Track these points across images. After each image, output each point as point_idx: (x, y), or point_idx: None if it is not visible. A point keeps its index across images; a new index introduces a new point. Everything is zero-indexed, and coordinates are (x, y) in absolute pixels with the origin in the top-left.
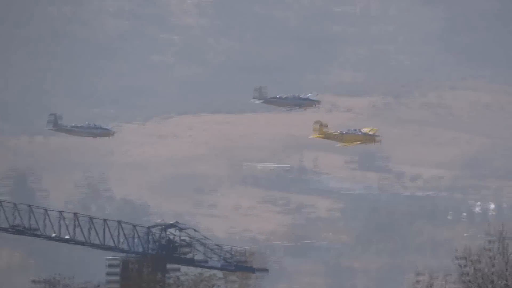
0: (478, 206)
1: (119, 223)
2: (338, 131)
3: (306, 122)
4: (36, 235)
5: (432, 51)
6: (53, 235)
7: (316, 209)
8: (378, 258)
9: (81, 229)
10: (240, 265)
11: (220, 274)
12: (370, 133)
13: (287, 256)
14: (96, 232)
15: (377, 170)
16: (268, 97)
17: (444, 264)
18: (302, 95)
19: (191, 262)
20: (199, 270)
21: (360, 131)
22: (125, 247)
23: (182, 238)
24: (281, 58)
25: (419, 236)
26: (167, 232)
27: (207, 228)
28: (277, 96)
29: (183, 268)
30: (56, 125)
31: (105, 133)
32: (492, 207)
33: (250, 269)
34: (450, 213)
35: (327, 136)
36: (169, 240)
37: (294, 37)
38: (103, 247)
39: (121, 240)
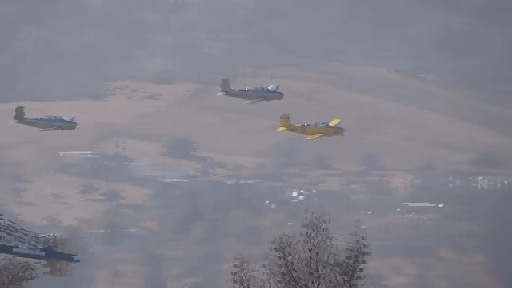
0: (294, 194)
1: None
2: (304, 124)
3: (119, 110)
4: None
5: (243, 38)
6: None
7: (129, 196)
8: (194, 245)
9: None
10: (51, 252)
11: (32, 261)
12: (335, 125)
13: (100, 243)
14: None
15: (192, 158)
16: (236, 90)
17: (261, 251)
18: (269, 87)
19: (8, 250)
20: (9, 257)
21: (324, 123)
22: None
23: None
24: (92, 45)
25: (236, 223)
26: None
27: (20, 216)
28: (245, 89)
29: None
30: (21, 118)
31: (70, 125)
32: (306, 194)
33: (61, 256)
34: (266, 201)
35: (292, 129)
36: None
37: (107, 24)
38: None
39: None
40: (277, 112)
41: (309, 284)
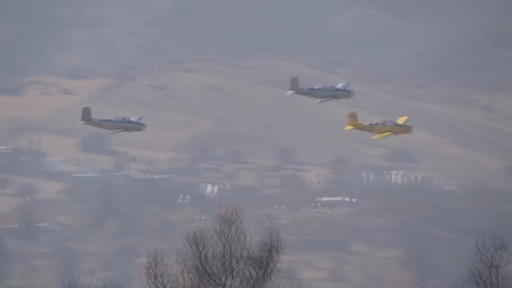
0: (208, 188)
1: None
2: (371, 122)
3: (33, 105)
4: None
5: (158, 33)
6: None
7: (44, 191)
8: (108, 240)
9: None
10: None
11: None
12: (402, 123)
13: (14, 238)
14: None
15: (106, 153)
16: (305, 88)
17: (175, 246)
18: (338, 86)
19: None
20: None
21: (392, 122)
22: None
23: None
24: (6, 40)
25: (151, 218)
26: None
27: None
28: (314, 87)
29: None
30: (88, 119)
31: (138, 127)
32: (220, 189)
33: None
34: (180, 195)
35: (359, 127)
36: None
37: (20, 18)
38: None
39: None
40: (185, 107)
41: (223, 279)
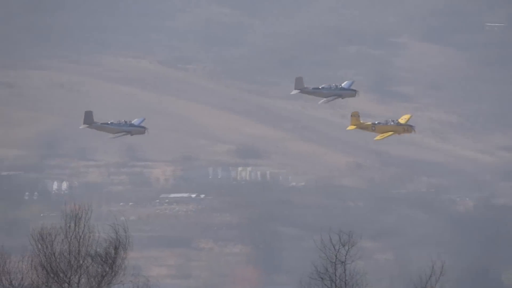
0: (55, 185)
1: None
2: (373, 122)
3: None
4: None
5: (7, 30)
6: None
7: None
8: None
9: None
10: None
11: None
12: (405, 122)
13: None
14: None
15: None
16: (310, 87)
17: (20, 244)
18: (342, 85)
19: None
20: None
21: (394, 121)
22: None
23: None
24: None
25: None
26: None
27: None
28: (319, 87)
29: None
30: (91, 122)
31: (140, 130)
32: (67, 186)
33: None
34: (27, 192)
35: (362, 127)
36: None
37: None
38: None
39: None
40: (33, 104)
41: (70, 276)
